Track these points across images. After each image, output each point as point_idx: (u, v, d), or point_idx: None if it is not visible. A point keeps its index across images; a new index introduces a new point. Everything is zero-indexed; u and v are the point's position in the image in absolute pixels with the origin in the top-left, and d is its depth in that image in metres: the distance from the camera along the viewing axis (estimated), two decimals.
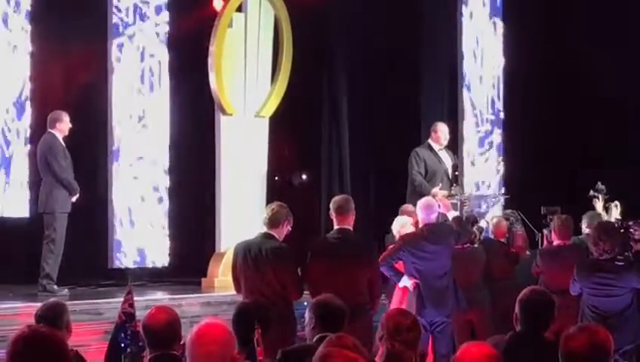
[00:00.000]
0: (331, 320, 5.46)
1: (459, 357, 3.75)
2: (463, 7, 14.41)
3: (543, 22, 15.01)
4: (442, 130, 11.99)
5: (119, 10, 12.06)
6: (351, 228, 7.79)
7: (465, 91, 14.44)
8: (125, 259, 12.05)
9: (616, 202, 10.79)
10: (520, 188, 14.15)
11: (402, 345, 4.85)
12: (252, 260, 7.51)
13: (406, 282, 8.57)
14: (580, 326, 4.19)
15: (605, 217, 10.59)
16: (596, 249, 7.91)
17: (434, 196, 10.61)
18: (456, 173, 11.87)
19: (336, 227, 7.78)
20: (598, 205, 10.86)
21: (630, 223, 10.07)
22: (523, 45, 14.74)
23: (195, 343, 3.95)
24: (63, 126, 10.63)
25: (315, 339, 5.46)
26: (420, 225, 8.84)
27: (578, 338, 4.01)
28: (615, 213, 10.69)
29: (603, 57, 14.35)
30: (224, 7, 11.97)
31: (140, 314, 5.62)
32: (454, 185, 11.56)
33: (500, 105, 14.88)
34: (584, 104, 14.82)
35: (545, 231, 11.06)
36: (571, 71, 14.90)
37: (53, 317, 5.77)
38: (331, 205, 7.86)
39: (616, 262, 7.86)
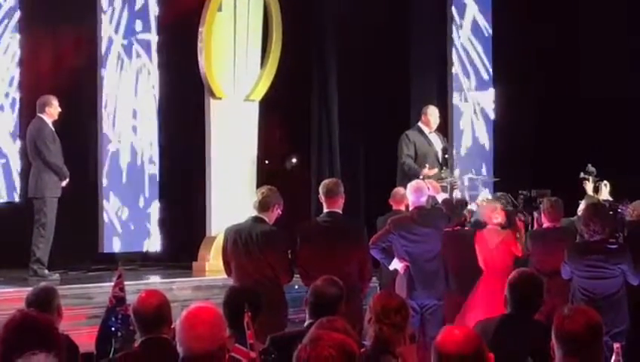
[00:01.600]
0: (323, 307, 5.48)
1: (439, 340, 3.75)
2: None
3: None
4: (432, 113, 11.98)
5: None
6: (340, 211, 7.79)
7: (454, 72, 14.47)
8: (116, 243, 12.06)
9: (605, 182, 10.79)
10: (510, 170, 14.18)
11: (390, 328, 4.85)
12: (242, 244, 7.52)
13: (396, 265, 8.59)
14: (572, 308, 4.19)
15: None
16: (587, 230, 7.91)
17: (424, 177, 10.65)
18: (446, 155, 11.87)
19: (325, 210, 7.79)
20: (589, 187, 10.86)
21: (619, 204, 10.09)
22: (513, 25, 14.79)
23: (185, 326, 3.96)
24: (52, 110, 10.60)
25: (305, 325, 5.48)
26: (410, 208, 8.85)
27: (574, 319, 4.02)
28: (605, 192, 10.70)
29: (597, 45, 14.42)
30: None
31: (131, 298, 5.63)
32: (444, 168, 11.58)
33: (489, 86, 14.93)
34: (576, 87, 14.81)
35: (535, 214, 11.07)
36: (563, 50, 14.87)
37: (44, 302, 5.77)
38: (320, 188, 7.87)
39: (607, 245, 7.88)
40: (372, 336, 4.89)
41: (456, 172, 12.81)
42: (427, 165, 11.34)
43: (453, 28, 14.49)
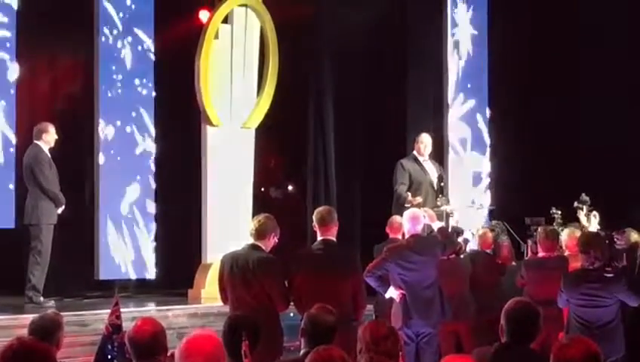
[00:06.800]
0: (318, 336, 5.46)
1: None
2: (449, 17, 14.57)
3: (532, 25, 15.10)
4: (424, 141, 12.01)
5: (106, 22, 12.12)
6: (334, 238, 7.78)
7: (450, 102, 14.56)
8: (111, 270, 12.05)
9: (595, 212, 10.84)
10: (505, 198, 14.22)
11: (382, 356, 4.82)
12: (239, 271, 7.50)
13: (392, 293, 8.58)
14: (571, 337, 4.21)
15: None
16: (587, 257, 7.90)
17: (411, 205, 10.67)
18: (442, 184, 11.89)
19: (319, 238, 7.78)
20: (582, 216, 10.90)
21: (614, 233, 10.11)
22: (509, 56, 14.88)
23: (182, 355, 3.96)
24: (49, 137, 10.63)
25: (301, 353, 5.46)
26: (406, 236, 8.86)
27: (573, 347, 4.03)
28: (594, 222, 10.75)
29: (592, 59, 14.50)
30: (210, 18, 12.00)
31: (127, 326, 5.62)
32: (440, 196, 11.59)
33: (486, 115, 15.00)
34: (573, 112, 14.86)
35: (529, 242, 11.10)
36: (560, 75, 14.92)
37: (48, 333, 5.76)
38: (314, 216, 7.84)
39: (604, 274, 7.88)
40: None
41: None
42: (409, 193, 11.36)
43: (450, 54, 14.60)
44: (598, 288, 7.78)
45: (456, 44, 14.72)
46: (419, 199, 11.32)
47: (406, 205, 10.91)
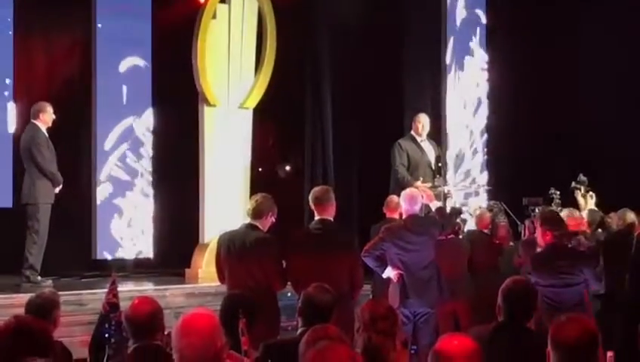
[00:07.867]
0: (315, 315, 5.47)
1: (438, 349, 3.76)
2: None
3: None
4: (422, 121, 11.99)
5: (103, 2, 12.11)
6: (332, 218, 7.78)
7: (449, 82, 14.54)
8: (109, 250, 12.06)
9: (591, 193, 10.85)
10: (503, 179, 14.22)
11: (380, 335, 4.83)
12: (236, 251, 7.51)
13: (389, 273, 8.59)
14: (570, 316, 4.20)
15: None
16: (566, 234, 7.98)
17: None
18: (440, 164, 11.88)
19: (317, 218, 7.78)
20: (580, 197, 10.91)
21: (611, 214, 10.11)
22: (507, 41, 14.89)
23: (179, 333, 3.96)
24: (46, 117, 10.59)
25: (298, 332, 5.47)
26: (404, 216, 8.85)
27: (571, 326, 4.02)
28: (591, 203, 10.76)
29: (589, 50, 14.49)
30: None
31: (124, 305, 5.63)
32: (437, 176, 11.57)
33: (484, 96, 15.00)
34: (569, 94, 14.84)
35: (527, 222, 11.10)
36: (556, 60, 14.91)
37: (44, 312, 5.76)
38: (310, 196, 7.84)
39: (575, 250, 7.95)
40: (361, 345, 4.87)
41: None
42: (421, 178, 11.32)
43: (448, 48, 14.60)
44: (568, 265, 7.77)
45: (454, 20, 14.71)
46: (428, 184, 11.29)
47: None
